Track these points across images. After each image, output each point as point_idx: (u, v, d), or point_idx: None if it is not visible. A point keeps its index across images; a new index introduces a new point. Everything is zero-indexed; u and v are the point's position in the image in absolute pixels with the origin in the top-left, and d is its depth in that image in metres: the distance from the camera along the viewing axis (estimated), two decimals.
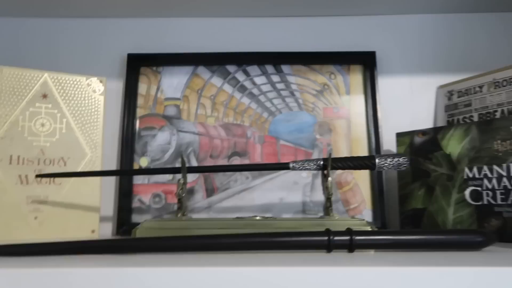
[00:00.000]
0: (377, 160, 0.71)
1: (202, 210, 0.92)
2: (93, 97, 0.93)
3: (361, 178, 0.93)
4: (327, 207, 0.69)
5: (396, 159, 0.71)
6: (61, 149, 0.89)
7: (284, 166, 0.73)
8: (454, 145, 0.77)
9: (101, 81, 0.94)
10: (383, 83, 0.98)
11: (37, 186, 0.86)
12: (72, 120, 0.91)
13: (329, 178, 0.69)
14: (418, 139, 0.83)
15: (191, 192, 0.93)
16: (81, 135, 0.91)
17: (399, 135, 0.86)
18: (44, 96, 0.89)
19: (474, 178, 0.74)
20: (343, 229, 0.57)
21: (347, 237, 0.54)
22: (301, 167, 0.72)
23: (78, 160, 0.90)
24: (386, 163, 0.71)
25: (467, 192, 0.75)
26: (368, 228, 0.63)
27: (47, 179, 0.86)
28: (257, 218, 0.68)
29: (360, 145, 0.95)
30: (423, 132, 0.83)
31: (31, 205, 0.85)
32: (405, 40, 1.01)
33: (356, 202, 0.92)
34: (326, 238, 0.54)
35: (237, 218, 0.70)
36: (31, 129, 0.87)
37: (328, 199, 0.69)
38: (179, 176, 0.70)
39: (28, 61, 0.99)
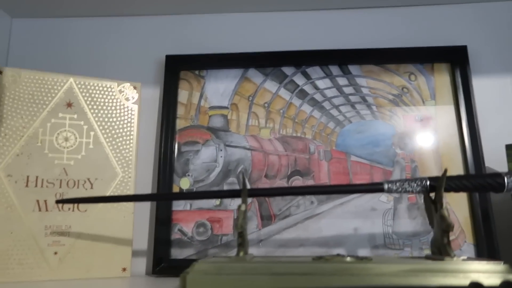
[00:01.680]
0: (506, 180, 0.52)
1: (256, 243, 0.74)
2: (126, 106, 0.78)
3: (457, 202, 0.74)
4: (444, 243, 0.50)
5: None
6: (87, 168, 0.73)
7: (376, 188, 0.55)
8: None
9: (135, 88, 0.79)
10: (477, 85, 0.79)
11: (58, 213, 0.70)
12: (101, 134, 0.76)
13: (445, 204, 0.51)
14: None
15: None
16: (112, 151, 0.75)
17: (510, 147, 0.67)
18: (69, 105, 0.75)
19: None
20: (476, 277, 0.39)
21: None
22: (400, 189, 0.54)
23: (107, 181, 0.74)
24: None
25: None
26: None
27: (70, 205, 0.71)
28: (348, 259, 0.50)
29: (452, 161, 0.76)
30: None
31: (50, 237, 0.69)
32: (501, 31, 0.83)
33: (452, 234, 0.72)
34: None
35: (318, 258, 0.51)
36: (53, 144, 0.73)
37: (445, 232, 0.50)
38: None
39: (51, 65, 0.86)
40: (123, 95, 0.78)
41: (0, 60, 0.88)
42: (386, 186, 0.55)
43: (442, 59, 0.80)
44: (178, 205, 0.77)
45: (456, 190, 0.54)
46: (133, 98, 0.79)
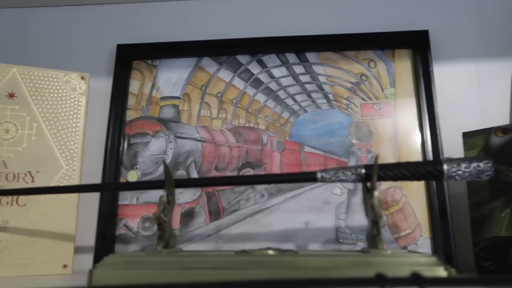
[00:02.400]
0: (445, 166, 0.48)
1: (204, 238, 0.71)
2: (73, 97, 0.75)
3: (414, 195, 0.70)
4: (374, 235, 0.46)
5: (474, 164, 0.48)
6: (28, 160, 0.71)
7: (309, 177, 0.51)
8: None
9: (82, 78, 0.77)
10: (440, 71, 0.75)
11: None
12: (45, 125, 0.73)
13: (375, 193, 0.47)
14: (496, 140, 0.60)
15: (190, 214, 0.72)
16: (56, 143, 0.73)
17: (468, 135, 0.63)
18: (11, 95, 0.72)
19: None
20: (402, 270, 0.35)
21: None
22: (333, 178, 0.51)
23: (50, 174, 0.71)
24: (459, 170, 0.48)
25: None
26: (442, 271, 0.40)
27: (8, 199, 0.68)
28: (270, 252, 0.46)
29: (411, 151, 0.72)
30: (503, 129, 0.60)
31: None
32: (466, 16, 0.78)
33: (408, 227, 0.69)
34: None
35: (242, 252, 0.48)
36: None
37: (375, 223, 0.46)
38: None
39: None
40: (69, 85, 0.76)
41: None
42: (319, 175, 0.51)
43: (404, 44, 0.77)
44: (124, 199, 0.74)
45: (394, 178, 0.50)
46: (81, 89, 0.76)
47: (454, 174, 0.49)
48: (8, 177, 0.70)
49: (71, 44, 0.85)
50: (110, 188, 0.62)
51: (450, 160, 0.49)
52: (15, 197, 0.68)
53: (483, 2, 0.79)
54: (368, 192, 0.50)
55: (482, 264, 0.59)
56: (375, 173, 0.48)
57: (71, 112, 0.75)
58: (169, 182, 0.52)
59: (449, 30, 0.77)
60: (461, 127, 0.69)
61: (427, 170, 0.50)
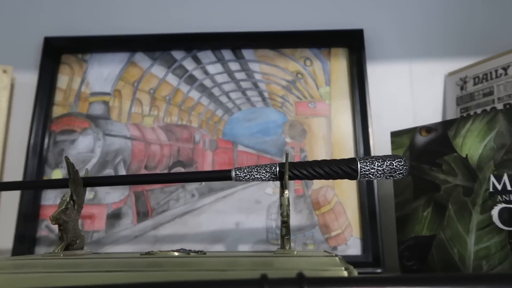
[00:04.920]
0: (359, 164, 0.48)
1: (130, 240, 0.68)
2: None
3: (346, 195, 0.69)
4: (282, 235, 0.45)
5: (388, 162, 0.48)
6: None
7: (224, 175, 0.49)
8: (473, 144, 0.54)
9: (5, 71, 0.73)
10: (375, 71, 0.75)
11: None
12: None
13: (286, 192, 0.46)
14: (421, 139, 0.60)
15: (116, 215, 0.69)
16: None
17: (395, 135, 0.63)
18: None
19: (505, 191, 0.50)
20: (304, 269, 0.34)
21: None
22: (248, 176, 0.49)
23: None
24: (373, 168, 0.48)
25: (494, 212, 0.51)
26: (341, 271, 0.39)
27: None
28: (175, 254, 0.44)
29: (344, 150, 0.71)
30: (427, 129, 0.60)
31: None
32: (401, 16, 0.79)
33: (339, 227, 0.68)
34: None
35: (147, 253, 0.46)
36: None
37: (284, 223, 0.45)
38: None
39: None
40: None
41: None
42: (233, 174, 0.49)
43: (340, 43, 0.76)
44: (47, 199, 0.70)
45: (308, 177, 0.49)
46: (2, 82, 0.72)
47: (368, 172, 0.48)
48: None
49: None
50: (11, 187, 0.58)
51: (364, 159, 0.48)
52: None
53: (418, 3, 0.79)
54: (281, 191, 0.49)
55: (405, 264, 0.59)
56: (287, 171, 0.47)
57: None
58: (74, 181, 0.49)
59: (384, 30, 0.77)
60: (393, 127, 0.69)
61: (341, 168, 0.49)
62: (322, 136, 0.72)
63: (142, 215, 0.69)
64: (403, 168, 0.48)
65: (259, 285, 0.31)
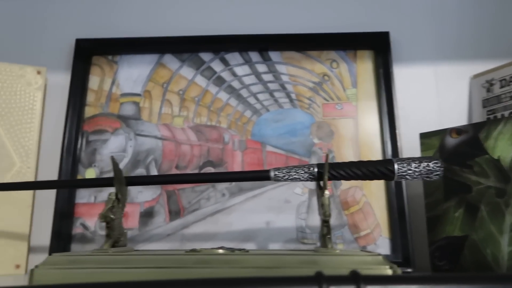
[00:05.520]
0: (396, 166, 0.49)
1: (163, 238, 0.69)
2: (28, 91, 0.73)
3: (374, 195, 0.70)
4: (323, 234, 0.46)
5: (424, 164, 0.49)
6: None
7: (262, 175, 0.51)
8: (505, 146, 0.55)
9: (39, 72, 0.74)
10: (400, 73, 0.76)
11: None
12: None
13: (326, 192, 0.47)
14: (451, 141, 0.61)
15: (149, 214, 0.71)
16: (9, 139, 0.70)
17: (424, 136, 0.64)
18: None
19: None
20: (346, 270, 0.35)
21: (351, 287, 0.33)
22: (286, 176, 0.50)
23: (2, 171, 0.69)
24: (410, 169, 0.49)
25: None
26: (387, 270, 0.40)
27: None
28: (219, 251, 0.46)
29: (371, 151, 0.72)
30: (457, 131, 0.60)
31: None
32: (426, 18, 0.80)
33: (367, 227, 0.69)
34: None
35: (192, 251, 0.47)
36: None
37: (325, 222, 0.46)
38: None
39: None
40: (24, 79, 0.73)
41: None
42: (272, 174, 0.51)
43: (365, 45, 0.77)
44: (81, 198, 0.72)
45: (346, 178, 0.50)
46: (36, 84, 0.74)
47: (404, 173, 0.49)
48: None
49: (27, 37, 0.82)
50: (56, 185, 0.60)
51: (401, 160, 0.50)
52: None
53: (444, 5, 0.80)
54: (320, 191, 0.50)
55: (437, 264, 0.60)
56: (326, 172, 0.48)
57: (26, 108, 0.72)
58: (118, 180, 0.50)
59: (409, 32, 0.78)
60: (420, 128, 0.70)
61: (379, 169, 0.50)
62: (350, 138, 0.73)
63: (174, 213, 0.71)
64: (439, 169, 0.49)
65: (316, 282, 0.33)
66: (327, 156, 0.48)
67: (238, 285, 0.31)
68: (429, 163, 0.49)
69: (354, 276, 0.33)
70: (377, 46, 0.76)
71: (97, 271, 0.42)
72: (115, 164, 0.49)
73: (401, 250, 0.66)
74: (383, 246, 0.68)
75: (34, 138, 0.72)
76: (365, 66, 0.76)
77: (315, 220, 0.70)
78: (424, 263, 0.65)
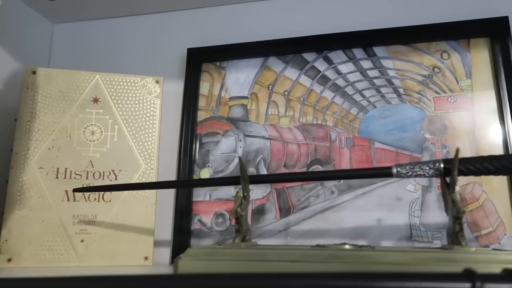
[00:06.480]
0: None
1: (274, 234, 0.72)
2: (149, 100, 0.80)
3: (496, 192, 0.66)
4: (456, 232, 0.45)
5: None
6: (112, 160, 0.76)
7: (384, 172, 0.51)
8: None
9: (157, 82, 0.81)
10: None
11: (85, 203, 0.74)
12: (125, 127, 0.78)
13: (457, 188, 0.45)
14: None
15: (260, 211, 0.74)
16: (135, 143, 0.78)
17: None
18: (95, 100, 0.78)
19: None
20: (490, 268, 0.34)
21: (508, 286, 0.31)
22: (410, 173, 0.49)
23: (131, 172, 0.77)
24: None
25: None
26: None
27: (95, 195, 0.74)
28: (347, 247, 0.46)
29: (491, 146, 0.68)
30: None
31: (78, 226, 0.73)
32: None
33: (489, 225, 0.65)
34: (468, 285, 0.32)
35: (318, 246, 0.49)
36: (80, 138, 0.77)
37: (457, 219, 0.45)
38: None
39: (83, 65, 0.90)
40: (145, 89, 0.81)
41: (43, 63, 0.95)
42: (395, 170, 0.50)
43: (480, 33, 0.73)
44: (198, 196, 0.77)
45: (476, 173, 0.48)
46: (155, 92, 0.81)
47: None
48: (95, 175, 0.76)
49: (146, 50, 0.90)
50: (190, 184, 0.65)
51: None
52: (101, 193, 0.74)
53: None
54: (448, 188, 0.48)
55: None
56: (456, 167, 0.47)
57: (148, 114, 0.80)
58: (244, 178, 0.53)
59: None
60: None
61: None
62: (466, 132, 0.70)
63: (285, 211, 0.73)
64: None
65: (469, 280, 0.32)
66: (457, 150, 0.47)
67: (388, 280, 0.32)
68: None
69: (510, 275, 0.32)
70: (494, 33, 0.71)
71: (234, 264, 0.46)
72: (242, 164, 0.53)
73: None
74: (508, 245, 0.63)
75: (155, 141, 0.79)
76: (480, 55, 0.72)
77: (430, 218, 0.67)
78: None
